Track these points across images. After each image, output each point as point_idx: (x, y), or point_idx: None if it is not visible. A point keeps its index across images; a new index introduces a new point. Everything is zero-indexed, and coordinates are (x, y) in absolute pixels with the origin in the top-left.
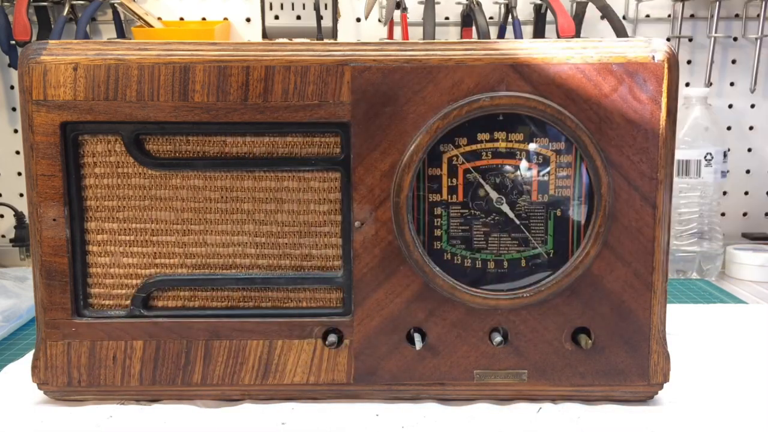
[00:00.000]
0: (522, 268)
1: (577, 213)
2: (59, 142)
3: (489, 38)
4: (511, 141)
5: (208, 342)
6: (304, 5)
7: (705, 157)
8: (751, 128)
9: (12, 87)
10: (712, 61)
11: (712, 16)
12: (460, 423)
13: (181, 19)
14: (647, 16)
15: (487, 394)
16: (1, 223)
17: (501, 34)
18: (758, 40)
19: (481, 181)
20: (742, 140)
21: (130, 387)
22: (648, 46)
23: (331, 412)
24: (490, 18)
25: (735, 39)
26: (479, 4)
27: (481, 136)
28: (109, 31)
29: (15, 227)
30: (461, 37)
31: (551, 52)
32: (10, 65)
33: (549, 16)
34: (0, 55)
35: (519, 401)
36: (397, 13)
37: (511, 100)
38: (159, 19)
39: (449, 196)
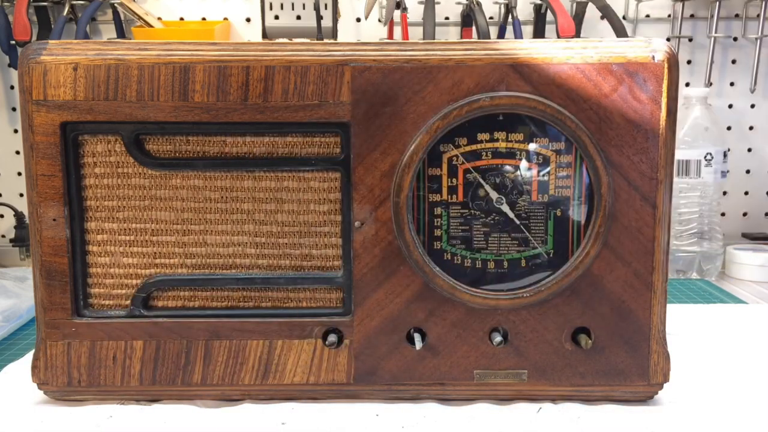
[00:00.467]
0: (522, 268)
1: (577, 213)
2: (59, 142)
3: (489, 38)
4: (511, 141)
5: (208, 342)
6: (304, 5)
7: (705, 157)
8: (751, 128)
9: (12, 87)
10: (712, 61)
11: (712, 16)
12: (460, 423)
13: (181, 19)
14: (647, 16)
15: (487, 394)
16: (1, 223)
17: (501, 34)
18: (758, 40)
19: (481, 181)
20: (742, 140)
21: (130, 387)
22: (648, 46)
23: (331, 412)
24: (490, 18)
25: (735, 39)
26: (479, 4)
27: (481, 136)
28: (109, 31)
29: (15, 227)
30: (461, 37)
31: (551, 52)
32: (10, 65)
33: (549, 16)
34: (0, 55)
35: (519, 401)
36: (397, 13)
37: (511, 100)
38: (159, 19)
39: (449, 196)
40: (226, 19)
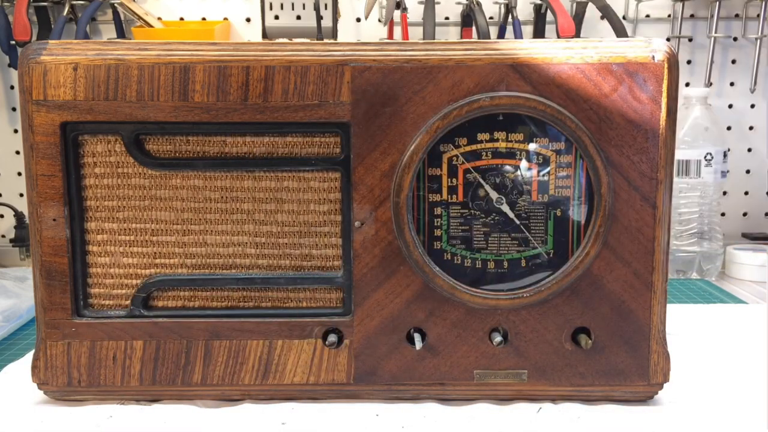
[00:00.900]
0: (522, 268)
1: (577, 213)
2: (59, 142)
3: (489, 38)
4: (511, 141)
5: (208, 342)
6: (304, 5)
7: (705, 157)
8: (751, 128)
9: (12, 87)
10: (712, 61)
11: (712, 16)
12: (460, 423)
13: (181, 19)
14: (647, 16)
15: (487, 394)
16: (1, 223)
17: (501, 34)
18: (758, 40)
19: (481, 181)
20: (742, 140)
21: (130, 387)
22: (648, 46)
23: (331, 412)
24: (490, 18)
25: (735, 39)
26: (479, 4)
27: (481, 136)
28: (109, 31)
29: (15, 227)
30: (461, 37)
31: (551, 52)
32: (10, 65)
33: (549, 16)
34: (0, 55)
35: (519, 401)
36: (397, 13)
37: (511, 100)
38: (159, 19)
39: (449, 196)
40: (226, 19)
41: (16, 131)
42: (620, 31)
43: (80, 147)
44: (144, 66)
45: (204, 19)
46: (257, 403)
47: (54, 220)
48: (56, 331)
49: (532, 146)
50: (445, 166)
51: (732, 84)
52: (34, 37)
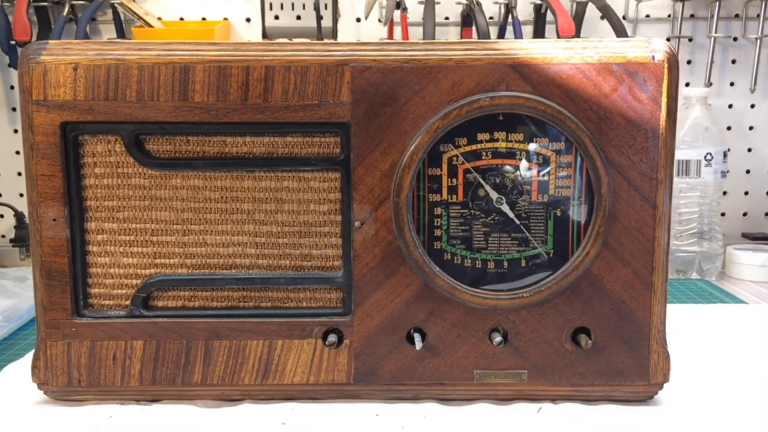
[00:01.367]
0: (522, 268)
1: (577, 213)
2: (59, 142)
3: (489, 38)
4: (511, 141)
5: (208, 342)
6: (304, 5)
7: (705, 157)
8: (751, 128)
9: (12, 87)
10: (712, 61)
11: (712, 16)
12: (460, 423)
13: (181, 19)
14: (647, 16)
15: (487, 394)
16: (1, 223)
17: (501, 34)
18: (758, 40)
19: (481, 181)
20: (742, 140)
21: (130, 387)
22: (648, 46)
23: (331, 412)
24: (490, 18)
25: (735, 39)
26: (479, 4)
27: (481, 136)
28: (109, 31)
29: (15, 227)
30: (461, 37)
31: (551, 52)
32: (10, 65)
33: (549, 16)
34: (0, 55)
35: (519, 401)
36: (397, 13)
37: (511, 100)
38: (159, 19)
39: (449, 196)
40: (226, 19)
41: (16, 131)
42: (620, 31)
43: (80, 147)
44: (144, 66)
45: (204, 19)
46: (257, 403)
47: (54, 220)
48: (56, 331)
49: (532, 146)
50: (445, 166)
51: (732, 84)
52: (34, 37)
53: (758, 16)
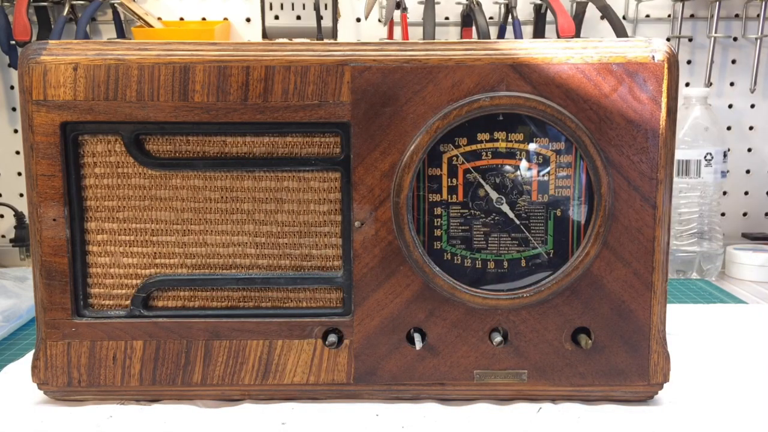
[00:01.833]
0: (522, 268)
1: (577, 213)
2: (59, 142)
3: (489, 38)
4: (511, 141)
5: (208, 342)
6: (304, 5)
7: (705, 157)
8: (751, 128)
9: (12, 87)
10: (712, 61)
11: (712, 16)
12: (460, 423)
13: (181, 19)
14: (647, 16)
15: (487, 394)
16: (1, 223)
17: (501, 34)
18: (758, 40)
19: (481, 181)
20: (742, 140)
21: (130, 387)
22: (648, 46)
23: (331, 412)
24: (490, 18)
25: (735, 39)
26: (479, 4)
27: (481, 136)
28: (109, 31)
29: (15, 227)
30: (461, 37)
31: (551, 52)
32: (10, 65)
33: (549, 16)
34: (0, 55)
35: (519, 401)
36: (397, 13)
37: (511, 100)
38: (159, 19)
39: (449, 196)
40: (226, 19)
41: (16, 131)
42: (620, 31)
43: (80, 147)
44: (144, 66)
45: (204, 19)
46: (257, 403)
47: (54, 220)
48: (56, 331)
49: (532, 146)
50: (445, 166)
51: (732, 84)
52: (34, 37)
53: (758, 16)
